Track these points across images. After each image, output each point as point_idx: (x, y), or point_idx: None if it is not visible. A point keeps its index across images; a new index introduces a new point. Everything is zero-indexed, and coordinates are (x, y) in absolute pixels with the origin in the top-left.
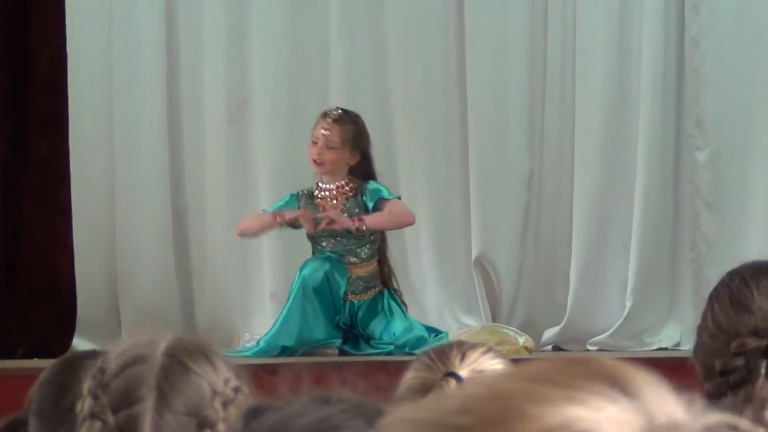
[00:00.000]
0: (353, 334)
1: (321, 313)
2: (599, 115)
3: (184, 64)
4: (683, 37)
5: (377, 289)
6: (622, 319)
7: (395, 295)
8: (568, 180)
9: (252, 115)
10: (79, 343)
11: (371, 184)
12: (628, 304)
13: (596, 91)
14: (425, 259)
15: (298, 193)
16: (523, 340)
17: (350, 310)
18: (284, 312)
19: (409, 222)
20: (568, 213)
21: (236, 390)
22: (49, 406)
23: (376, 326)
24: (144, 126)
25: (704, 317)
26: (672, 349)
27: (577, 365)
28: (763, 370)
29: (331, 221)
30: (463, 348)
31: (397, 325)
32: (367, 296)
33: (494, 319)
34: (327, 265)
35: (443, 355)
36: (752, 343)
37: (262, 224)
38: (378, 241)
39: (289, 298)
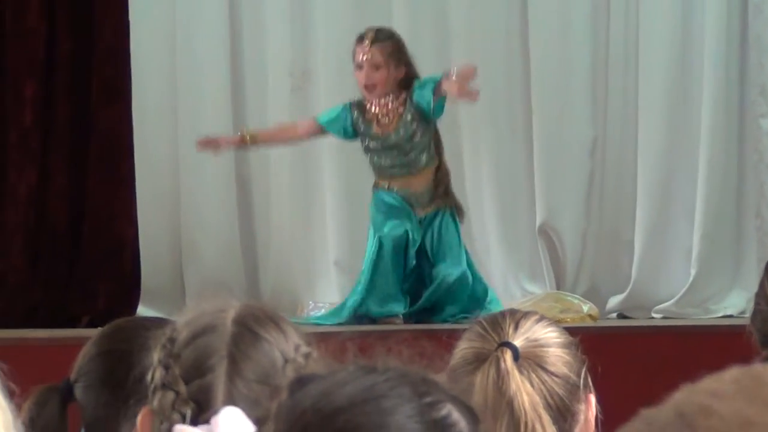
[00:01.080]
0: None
1: (393, 279)
2: (662, 84)
3: (247, 32)
4: (747, 4)
5: (440, 200)
6: (686, 286)
7: (454, 212)
8: (631, 148)
9: (315, 85)
10: (144, 312)
11: (417, 82)
12: (693, 272)
13: (659, 59)
14: (490, 226)
15: (350, 104)
16: (587, 307)
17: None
18: (366, 277)
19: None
20: (631, 181)
21: (306, 356)
22: (114, 377)
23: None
24: (207, 95)
25: (761, 286)
26: (737, 317)
27: None
28: None
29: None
30: (516, 317)
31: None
32: (431, 209)
33: (558, 287)
34: (407, 224)
35: (496, 325)
36: None
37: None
38: (432, 145)
39: (368, 259)
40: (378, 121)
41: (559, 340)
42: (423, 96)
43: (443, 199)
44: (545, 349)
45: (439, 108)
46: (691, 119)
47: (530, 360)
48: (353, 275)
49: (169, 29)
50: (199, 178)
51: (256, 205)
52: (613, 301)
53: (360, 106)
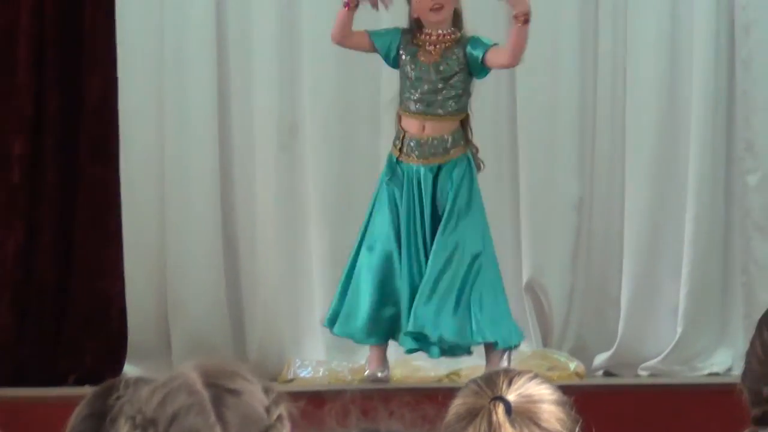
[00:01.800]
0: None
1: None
2: (649, 139)
3: (235, 90)
4: (734, 60)
5: (457, 149)
6: (673, 344)
7: (473, 162)
8: (618, 204)
9: (302, 140)
10: (131, 370)
11: (474, 36)
12: (680, 329)
13: (646, 114)
14: None
15: (401, 29)
16: (574, 365)
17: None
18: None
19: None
20: (618, 237)
21: (278, 396)
22: None
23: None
24: (194, 153)
25: (753, 343)
26: (723, 375)
27: None
28: None
29: None
30: (510, 374)
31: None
32: (444, 160)
33: (545, 344)
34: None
35: (490, 381)
36: None
37: (339, 23)
38: (465, 99)
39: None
40: (425, 48)
41: (552, 397)
42: (475, 51)
43: (464, 146)
44: (539, 405)
45: (484, 72)
46: (678, 175)
47: (523, 415)
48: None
49: (157, 85)
50: (185, 235)
51: (242, 262)
52: (600, 359)
53: (410, 33)
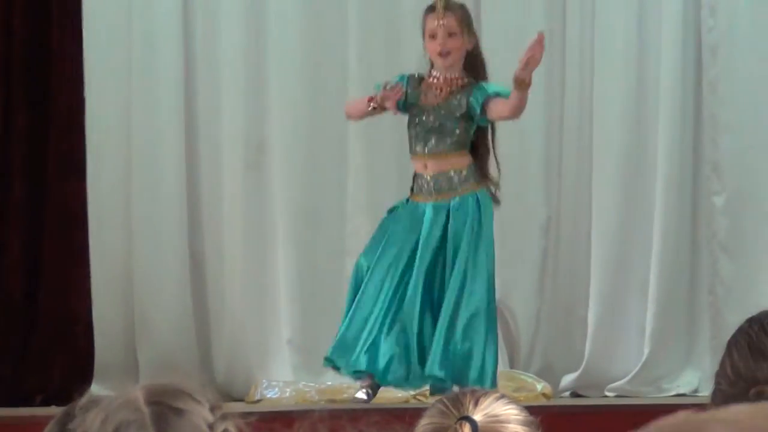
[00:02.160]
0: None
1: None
2: (616, 160)
3: (202, 109)
4: (701, 82)
5: (467, 186)
6: (640, 364)
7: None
8: (585, 225)
9: (270, 159)
10: (98, 390)
11: (482, 83)
12: (646, 350)
13: (614, 135)
14: None
15: (409, 75)
16: (541, 386)
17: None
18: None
19: (520, 112)
20: (585, 258)
21: (224, 414)
22: None
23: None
24: (162, 170)
25: (722, 364)
26: (690, 395)
27: None
28: None
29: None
30: (477, 394)
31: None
32: (450, 197)
33: (512, 366)
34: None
35: (457, 401)
36: None
37: (359, 110)
38: (467, 135)
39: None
40: (432, 90)
41: (519, 417)
42: (475, 102)
43: (476, 183)
44: (505, 425)
45: (484, 120)
46: (645, 196)
47: None
48: (306, 354)
49: (125, 104)
50: (152, 253)
51: (209, 282)
52: (567, 380)
53: (419, 78)
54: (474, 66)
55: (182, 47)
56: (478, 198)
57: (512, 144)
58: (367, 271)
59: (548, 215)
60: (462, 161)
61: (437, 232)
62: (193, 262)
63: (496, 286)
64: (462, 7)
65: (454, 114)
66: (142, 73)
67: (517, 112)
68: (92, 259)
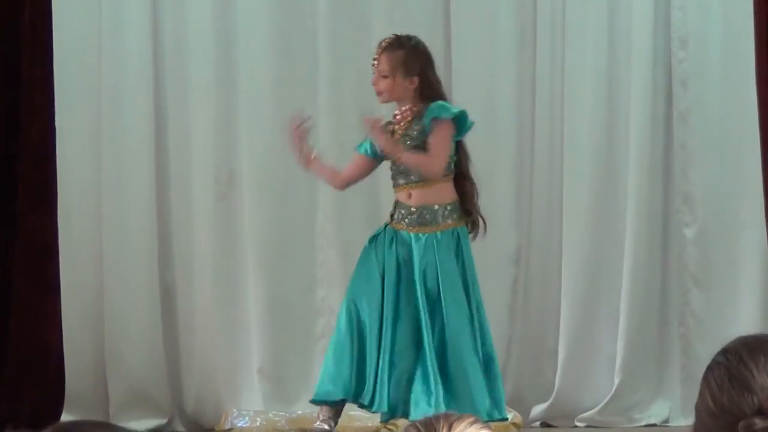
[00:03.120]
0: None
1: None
2: (587, 192)
3: (172, 140)
4: (671, 113)
5: (449, 222)
6: (610, 395)
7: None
8: (555, 256)
9: (240, 191)
10: (68, 419)
11: (433, 104)
12: (617, 380)
13: (584, 167)
14: None
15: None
16: (511, 416)
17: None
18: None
19: (433, 172)
20: (556, 289)
21: None
22: None
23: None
24: (132, 202)
25: (702, 396)
26: (661, 426)
27: None
28: None
29: (377, 128)
30: (450, 419)
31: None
32: (433, 230)
33: None
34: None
35: (430, 426)
36: (760, 423)
37: (356, 176)
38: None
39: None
40: (396, 126)
41: None
42: (427, 122)
43: (458, 220)
44: None
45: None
46: (615, 227)
47: None
48: (276, 383)
49: (95, 135)
50: (123, 284)
51: (180, 312)
52: (537, 410)
53: (387, 122)
54: (429, 95)
55: (152, 77)
56: (458, 233)
57: (483, 173)
58: (358, 306)
59: (518, 245)
60: (446, 191)
61: (410, 265)
62: (164, 292)
63: None
64: (404, 46)
65: (417, 141)
66: (112, 104)
67: (422, 170)
68: (63, 290)
